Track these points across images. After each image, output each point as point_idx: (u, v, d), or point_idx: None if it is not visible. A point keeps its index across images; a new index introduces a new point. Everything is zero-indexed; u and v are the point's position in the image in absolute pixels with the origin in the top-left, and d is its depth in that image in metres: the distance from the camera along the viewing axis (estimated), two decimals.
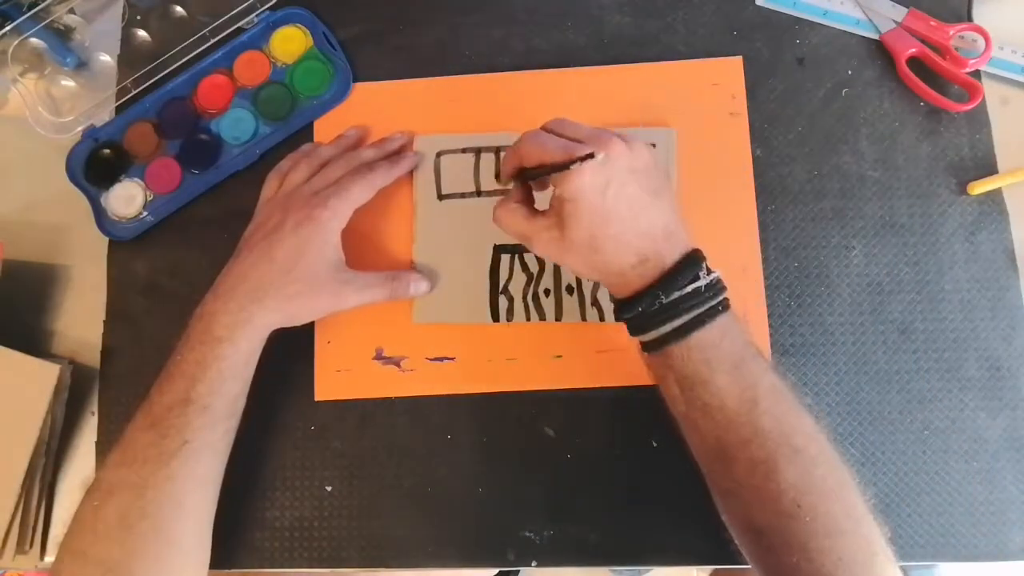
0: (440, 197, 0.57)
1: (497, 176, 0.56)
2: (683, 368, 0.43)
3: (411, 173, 0.58)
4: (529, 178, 0.48)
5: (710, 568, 0.57)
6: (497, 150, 0.57)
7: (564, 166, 0.43)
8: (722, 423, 0.43)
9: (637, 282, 0.44)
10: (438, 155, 0.58)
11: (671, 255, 0.44)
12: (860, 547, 0.41)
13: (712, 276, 0.44)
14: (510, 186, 0.50)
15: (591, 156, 0.42)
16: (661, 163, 0.47)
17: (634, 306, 0.44)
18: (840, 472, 0.43)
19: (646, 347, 0.45)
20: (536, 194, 0.50)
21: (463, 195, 0.57)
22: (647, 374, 0.47)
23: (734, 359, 0.43)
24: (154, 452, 0.46)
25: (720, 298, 0.44)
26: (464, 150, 0.58)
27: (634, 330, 0.45)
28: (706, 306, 0.43)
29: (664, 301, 0.43)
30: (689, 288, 0.43)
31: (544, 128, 0.47)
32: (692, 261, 0.44)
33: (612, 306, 0.54)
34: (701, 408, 0.43)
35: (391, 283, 0.53)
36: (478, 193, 0.57)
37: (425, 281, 0.55)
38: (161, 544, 0.46)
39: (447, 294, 0.56)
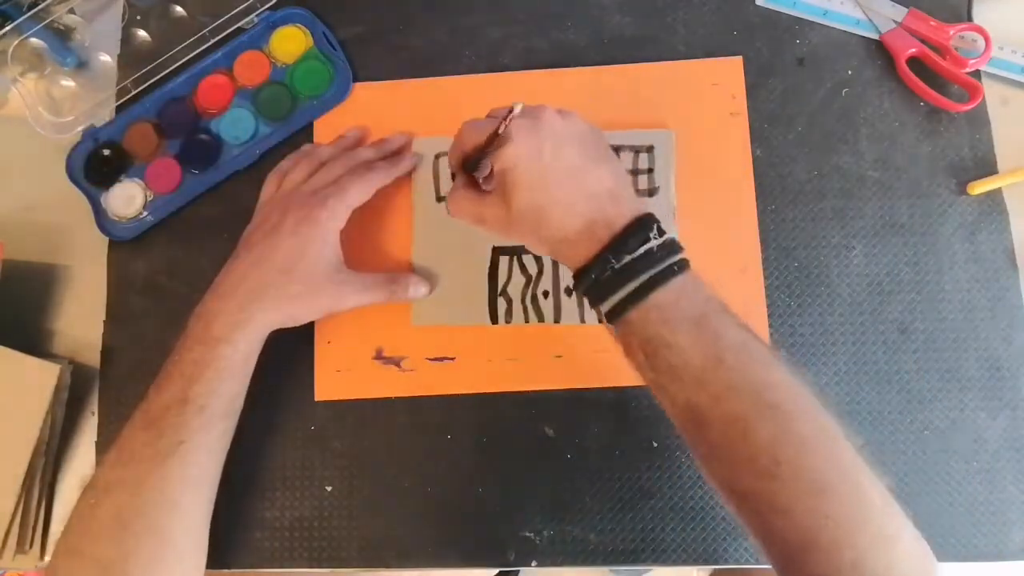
0: (439, 199, 0.57)
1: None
2: (644, 332, 0.42)
3: (410, 175, 0.58)
4: (473, 168, 0.48)
5: (710, 568, 0.57)
6: None
7: (495, 136, 0.44)
8: (690, 384, 0.41)
9: (588, 250, 0.43)
10: (436, 157, 0.58)
11: (619, 219, 0.43)
12: (850, 502, 0.39)
13: (665, 237, 0.43)
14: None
15: (511, 111, 0.43)
16: (600, 134, 0.47)
17: (588, 274, 0.43)
18: (822, 424, 0.40)
19: (608, 318, 0.44)
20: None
21: None
22: (617, 347, 0.45)
23: (694, 317, 0.42)
24: (150, 451, 0.46)
25: (675, 258, 0.43)
26: None
27: (593, 300, 0.44)
28: (660, 267, 0.42)
29: (616, 266, 0.42)
30: (641, 251, 0.42)
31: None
32: (642, 224, 0.43)
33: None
34: (668, 371, 0.42)
35: (390, 285, 0.53)
36: None
37: (424, 285, 0.55)
38: (156, 543, 0.46)
39: (446, 296, 0.56)
